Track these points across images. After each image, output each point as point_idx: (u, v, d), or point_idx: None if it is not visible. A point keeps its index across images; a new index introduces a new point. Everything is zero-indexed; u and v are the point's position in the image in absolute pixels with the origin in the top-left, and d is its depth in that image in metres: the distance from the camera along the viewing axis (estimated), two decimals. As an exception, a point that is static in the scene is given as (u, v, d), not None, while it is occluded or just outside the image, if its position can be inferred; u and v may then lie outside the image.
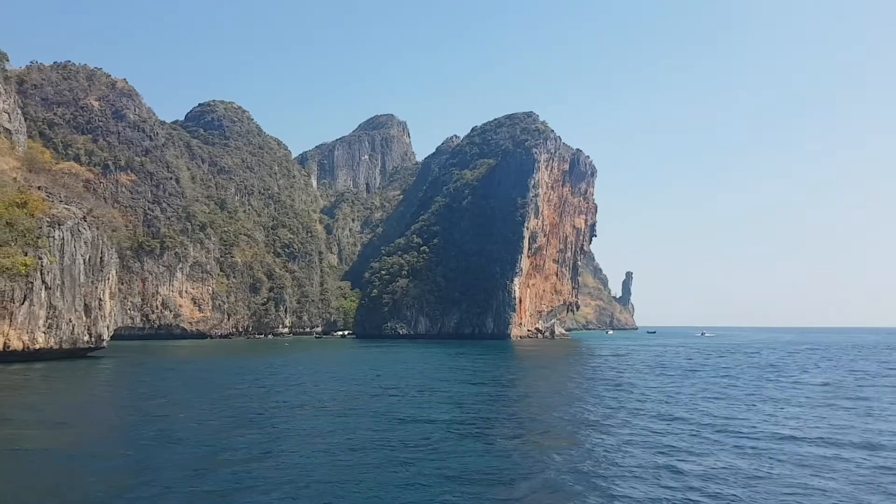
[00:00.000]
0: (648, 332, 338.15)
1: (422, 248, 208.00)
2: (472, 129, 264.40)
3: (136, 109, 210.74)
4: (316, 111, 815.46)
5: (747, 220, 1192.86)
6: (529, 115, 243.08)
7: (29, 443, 27.15)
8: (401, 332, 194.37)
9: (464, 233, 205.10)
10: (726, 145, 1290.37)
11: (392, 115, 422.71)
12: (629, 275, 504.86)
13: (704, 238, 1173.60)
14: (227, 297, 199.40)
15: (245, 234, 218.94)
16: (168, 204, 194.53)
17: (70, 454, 25.08)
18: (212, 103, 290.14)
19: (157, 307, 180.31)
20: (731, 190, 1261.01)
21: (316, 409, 37.91)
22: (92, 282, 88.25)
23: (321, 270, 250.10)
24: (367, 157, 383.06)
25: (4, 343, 70.23)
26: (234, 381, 55.54)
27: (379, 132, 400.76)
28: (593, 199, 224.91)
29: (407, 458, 24.45)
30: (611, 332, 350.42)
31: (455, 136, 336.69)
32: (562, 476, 22.35)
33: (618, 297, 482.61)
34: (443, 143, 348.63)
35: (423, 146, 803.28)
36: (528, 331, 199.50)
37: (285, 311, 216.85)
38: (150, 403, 40.96)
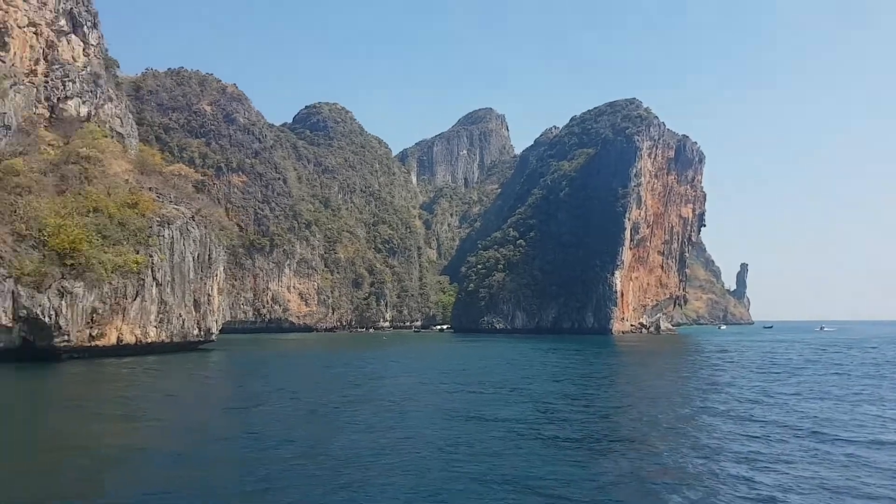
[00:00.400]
0: (764, 327, 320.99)
1: (518, 242, 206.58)
2: (571, 119, 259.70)
3: (246, 113, 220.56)
4: (416, 109, 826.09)
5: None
6: (632, 101, 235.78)
7: (100, 438, 28.55)
8: (497, 327, 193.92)
9: (561, 225, 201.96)
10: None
11: (491, 108, 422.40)
12: (744, 266, 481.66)
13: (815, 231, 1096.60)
14: (332, 292, 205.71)
15: (347, 231, 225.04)
16: (276, 203, 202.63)
17: (133, 448, 26.08)
18: (317, 105, 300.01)
19: (267, 302, 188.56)
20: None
21: (388, 403, 37.99)
22: (201, 278, 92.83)
23: (420, 265, 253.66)
24: (465, 151, 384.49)
25: (118, 337, 74.95)
26: (321, 374, 56.90)
27: (477, 126, 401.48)
28: (701, 187, 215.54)
29: (455, 459, 23.86)
30: (723, 327, 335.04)
31: (554, 126, 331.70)
32: (620, 485, 21.11)
33: (732, 290, 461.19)
34: (541, 135, 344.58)
35: (522, 139, 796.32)
36: (632, 326, 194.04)
37: (386, 305, 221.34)
38: (235, 396, 42.49)
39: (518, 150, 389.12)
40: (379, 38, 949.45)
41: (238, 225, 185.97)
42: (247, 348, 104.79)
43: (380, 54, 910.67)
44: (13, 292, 64.47)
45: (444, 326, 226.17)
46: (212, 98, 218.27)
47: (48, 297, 66.53)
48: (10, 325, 63.93)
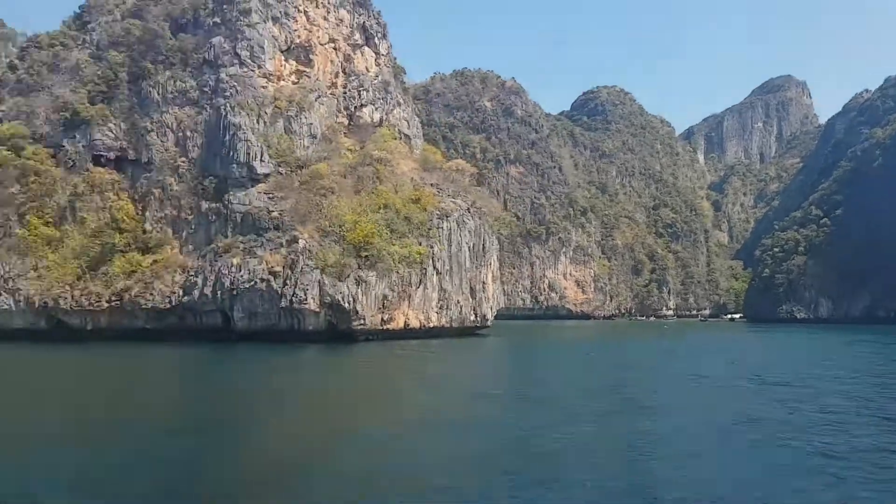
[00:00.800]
0: None
1: (822, 221, 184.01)
2: (885, 80, 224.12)
3: (523, 106, 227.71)
4: (703, 83, 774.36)
5: None
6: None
7: (355, 417, 31.62)
8: (798, 316, 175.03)
9: (874, 200, 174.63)
10: None
11: (789, 75, 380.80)
12: None
13: None
14: (609, 280, 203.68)
15: (626, 216, 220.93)
16: (552, 192, 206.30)
17: (341, 433, 28.40)
18: (595, 90, 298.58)
19: (544, 289, 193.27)
20: None
21: (643, 396, 36.65)
22: (476, 267, 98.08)
23: (708, 250, 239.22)
24: (760, 124, 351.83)
25: (405, 322, 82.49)
26: (587, 362, 56.77)
27: (774, 96, 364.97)
28: None
29: (690, 464, 22.21)
30: None
31: (865, 90, 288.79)
32: None
33: None
34: (850, 100, 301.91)
35: (827, 106, 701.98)
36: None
37: (668, 292, 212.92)
38: (497, 381, 44.30)
39: (823, 119, 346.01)
40: (662, 13, 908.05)
41: (515, 215, 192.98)
42: (521, 335, 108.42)
43: (663, 30, 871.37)
44: (319, 281, 74.53)
45: (736, 316, 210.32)
46: (492, 94, 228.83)
47: (347, 286, 75.61)
48: (317, 310, 74.08)
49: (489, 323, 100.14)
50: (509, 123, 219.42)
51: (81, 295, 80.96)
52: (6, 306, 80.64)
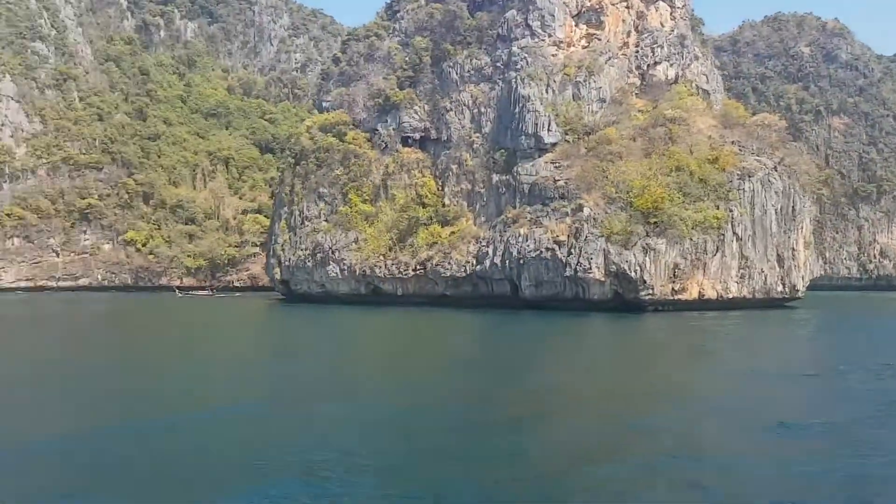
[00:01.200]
0: None
1: None
2: None
3: (849, 48, 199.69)
4: None
5: None
6: None
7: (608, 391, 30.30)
8: None
9: None
10: None
11: None
12: None
13: None
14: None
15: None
16: (885, 144, 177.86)
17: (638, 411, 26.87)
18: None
19: (874, 256, 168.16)
20: None
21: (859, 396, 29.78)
22: (784, 232, 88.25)
23: None
24: None
25: (699, 292, 77.42)
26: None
27: None
28: None
29: None
30: None
31: None
32: None
33: None
34: None
35: None
36: None
37: None
38: (761, 359, 39.58)
39: None
40: None
41: (839, 172, 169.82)
42: (841, 307, 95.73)
43: None
44: (604, 250, 73.35)
45: None
46: (810, 38, 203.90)
47: (634, 254, 73.26)
48: (602, 279, 73.11)
49: (800, 294, 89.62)
50: (831, 69, 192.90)
51: (392, 264, 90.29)
52: (334, 274, 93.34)
